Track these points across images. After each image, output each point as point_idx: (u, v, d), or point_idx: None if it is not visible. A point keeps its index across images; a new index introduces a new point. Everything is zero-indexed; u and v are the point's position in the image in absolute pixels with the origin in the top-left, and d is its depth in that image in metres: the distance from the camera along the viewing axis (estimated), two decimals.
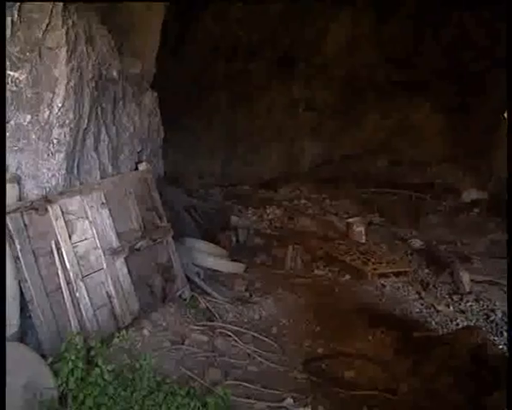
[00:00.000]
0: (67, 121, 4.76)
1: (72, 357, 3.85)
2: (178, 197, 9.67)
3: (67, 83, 4.69)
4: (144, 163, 6.28)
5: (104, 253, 5.02)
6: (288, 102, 14.26)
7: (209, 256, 7.48)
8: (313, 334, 5.74)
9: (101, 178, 5.53)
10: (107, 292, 4.98)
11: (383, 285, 7.30)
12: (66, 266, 4.58)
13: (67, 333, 4.23)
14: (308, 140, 14.60)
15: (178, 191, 10.39)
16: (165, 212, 6.34)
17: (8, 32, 4.29)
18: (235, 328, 5.60)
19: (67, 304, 4.52)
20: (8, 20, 4.28)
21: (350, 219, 10.00)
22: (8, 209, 4.21)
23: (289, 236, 9.54)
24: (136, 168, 6.24)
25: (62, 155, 4.77)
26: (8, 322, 3.97)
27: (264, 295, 6.76)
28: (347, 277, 7.72)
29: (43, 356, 3.98)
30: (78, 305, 4.62)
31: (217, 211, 10.54)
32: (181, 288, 6.04)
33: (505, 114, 10.42)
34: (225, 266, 7.52)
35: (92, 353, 4.10)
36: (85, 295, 4.71)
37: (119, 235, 5.25)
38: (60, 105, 4.65)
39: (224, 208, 11.03)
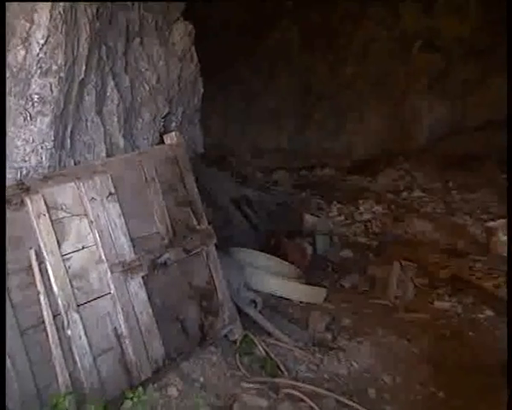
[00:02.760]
0: (54, 67, 4.74)
1: None
2: (225, 186, 9.72)
3: (52, 7, 4.64)
4: (174, 133, 6.23)
5: (112, 269, 4.99)
6: (395, 39, 14.16)
7: (271, 276, 7.52)
8: (433, 401, 5.64)
9: (108, 156, 5.60)
10: (115, 329, 4.96)
11: None
12: (52, 289, 4.55)
13: (52, 393, 4.21)
14: (427, 98, 14.47)
15: (225, 177, 10.47)
16: (206, 208, 6.36)
17: None
18: (311, 388, 5.55)
19: (53, 348, 4.48)
20: None
21: (492, 223, 9.88)
22: None
23: (395, 247, 9.57)
24: (162, 141, 6.25)
25: (47, 120, 4.78)
26: None
27: (356, 337, 6.76)
28: (488, 312, 7.58)
29: None
30: (70, 349, 4.59)
31: (283, 207, 10.58)
32: (228, 324, 6.04)
33: None
34: (296, 291, 7.55)
35: None
36: (81, 334, 4.67)
37: (134, 242, 5.24)
38: (42, 42, 4.62)
39: (295, 203, 11.02)
